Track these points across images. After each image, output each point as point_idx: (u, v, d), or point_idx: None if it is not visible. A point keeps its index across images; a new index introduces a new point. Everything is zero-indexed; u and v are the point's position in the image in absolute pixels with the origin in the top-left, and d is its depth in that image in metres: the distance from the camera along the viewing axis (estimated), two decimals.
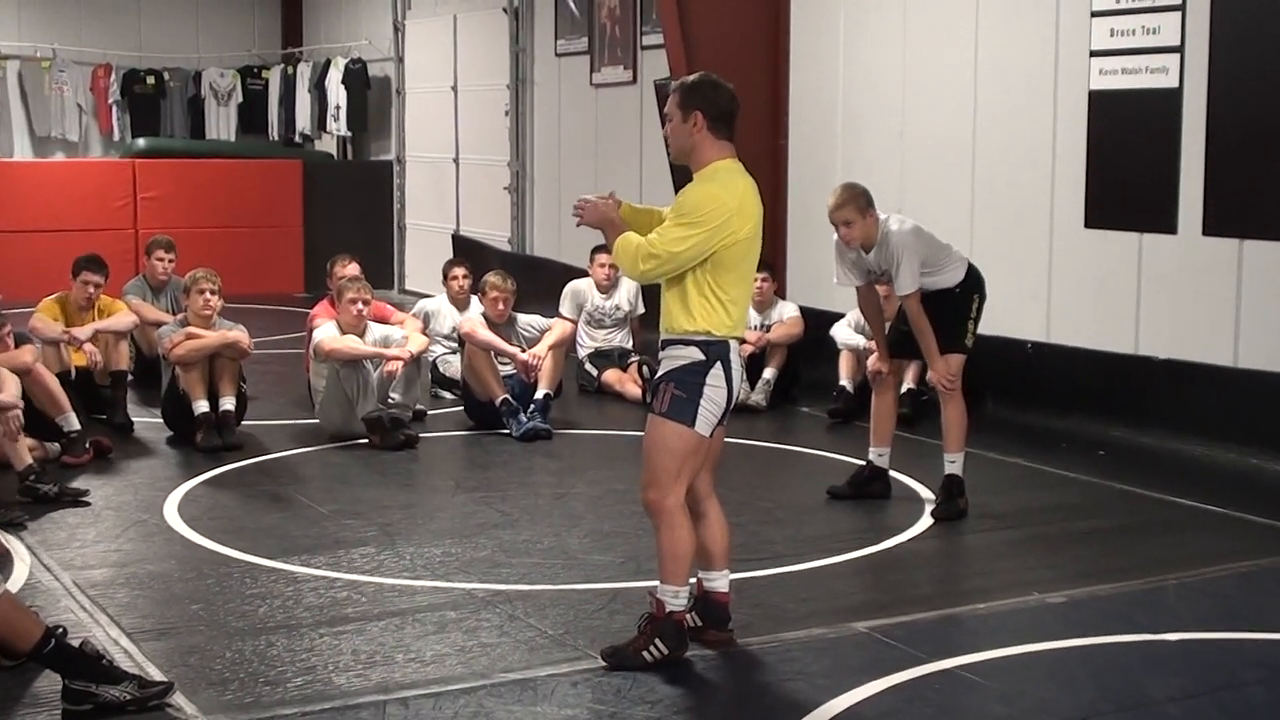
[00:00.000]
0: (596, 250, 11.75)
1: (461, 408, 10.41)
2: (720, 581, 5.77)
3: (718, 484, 5.86)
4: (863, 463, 8.15)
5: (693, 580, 5.66)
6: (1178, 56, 9.26)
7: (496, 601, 6.33)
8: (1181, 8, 9.21)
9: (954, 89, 10.69)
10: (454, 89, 17.45)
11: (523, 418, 9.76)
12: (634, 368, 11.28)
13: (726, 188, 5.45)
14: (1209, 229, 9.17)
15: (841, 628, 5.99)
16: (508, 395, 9.88)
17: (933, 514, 7.72)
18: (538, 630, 5.97)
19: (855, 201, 7.65)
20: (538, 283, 13.74)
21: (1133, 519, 7.88)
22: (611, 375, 11.37)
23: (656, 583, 5.60)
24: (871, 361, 8.58)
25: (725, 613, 5.80)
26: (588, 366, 11.55)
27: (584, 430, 10.23)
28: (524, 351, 10.02)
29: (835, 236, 7.79)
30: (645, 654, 5.50)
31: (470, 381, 10.09)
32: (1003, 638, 5.84)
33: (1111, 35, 9.64)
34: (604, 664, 5.53)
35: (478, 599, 6.37)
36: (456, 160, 17.51)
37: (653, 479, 5.52)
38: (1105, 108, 9.68)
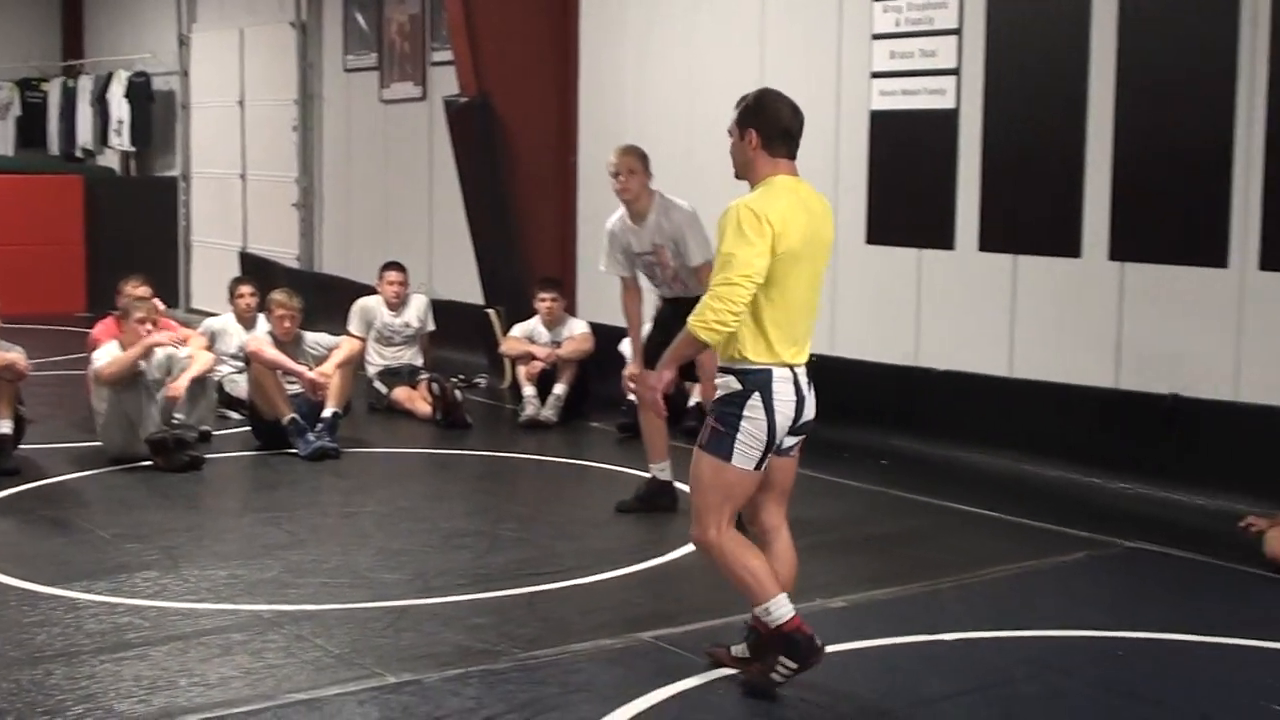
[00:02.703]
0: (385, 268, 11.72)
1: (248, 428, 10.26)
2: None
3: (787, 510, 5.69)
4: (648, 476, 8.23)
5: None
6: (954, 79, 9.56)
7: (283, 622, 6.26)
8: (958, 32, 9.52)
9: None
10: (241, 104, 17.20)
11: (310, 437, 9.66)
12: (424, 385, 11.24)
13: (763, 199, 5.26)
14: (985, 245, 9.48)
15: (629, 638, 6.04)
16: (295, 414, 9.77)
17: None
18: (324, 650, 5.92)
19: (638, 154, 7.90)
20: (327, 300, 13.64)
21: (912, 525, 8.11)
22: (401, 393, 11.32)
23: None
24: (627, 370, 8.55)
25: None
26: (377, 384, 11.49)
27: (373, 449, 10.17)
28: (311, 370, 9.93)
29: (609, 223, 7.92)
30: (775, 674, 5.33)
31: (257, 401, 9.96)
32: None
33: (891, 58, 9.91)
34: (746, 694, 5.42)
35: (264, 620, 6.29)
36: (244, 176, 17.25)
37: (695, 514, 5.39)
38: (885, 128, 9.95)
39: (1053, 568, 7.30)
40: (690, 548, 7.39)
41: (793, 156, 5.42)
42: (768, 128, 5.38)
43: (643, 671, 5.66)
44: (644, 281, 8.27)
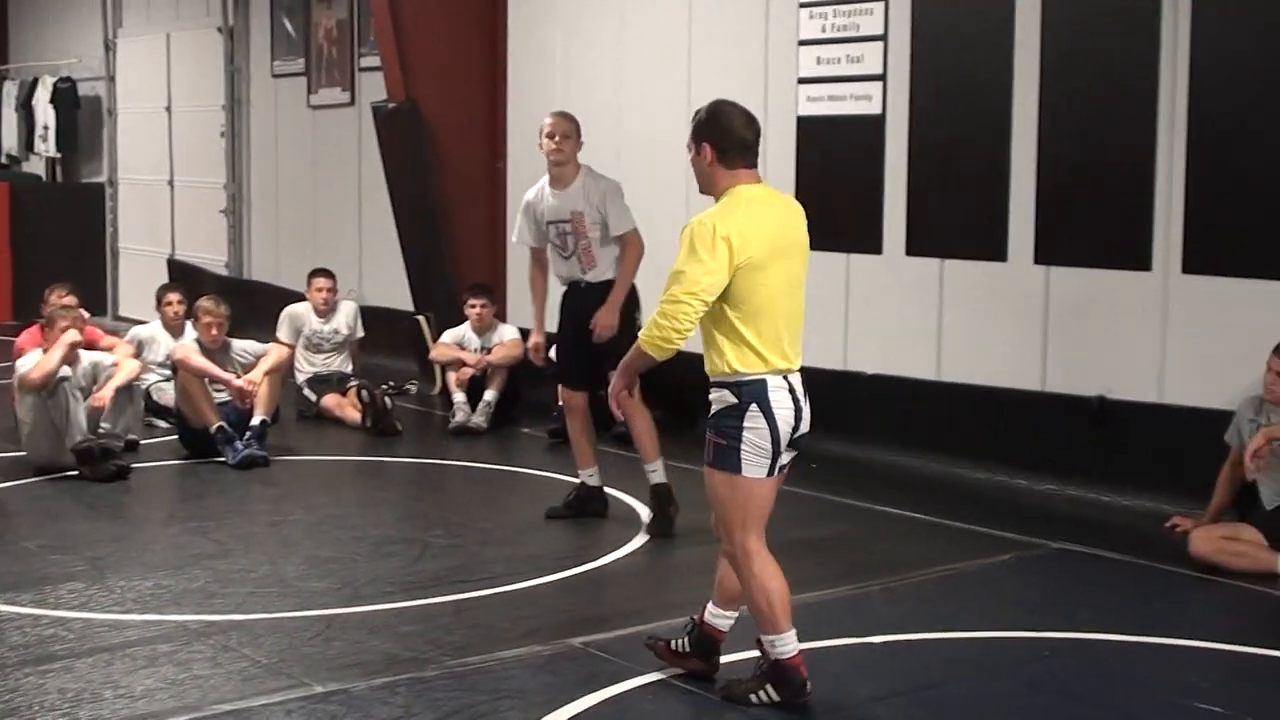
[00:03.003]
0: (314, 274, 11.65)
1: (176, 436, 10.17)
2: (724, 621, 5.59)
3: None
4: (578, 482, 8.23)
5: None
6: (880, 84, 9.62)
7: (210, 633, 6.21)
8: (884, 38, 9.58)
9: (668, 114, 10.88)
10: (168, 109, 17.06)
11: (238, 445, 9.59)
12: (353, 392, 11.18)
13: (720, 212, 5.23)
14: (912, 249, 9.55)
15: (557, 644, 6.04)
16: (223, 422, 9.69)
17: (647, 530, 7.83)
18: (251, 660, 5.88)
19: (573, 120, 7.96)
20: (256, 307, 13.57)
21: (840, 529, 8.14)
22: (330, 400, 11.26)
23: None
24: (531, 341, 8.36)
25: (717, 648, 5.63)
26: (306, 391, 11.41)
27: (302, 456, 10.10)
28: (239, 377, 9.86)
29: (528, 194, 8.04)
30: (753, 696, 5.35)
31: (184, 409, 9.87)
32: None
33: (818, 64, 9.96)
34: (720, 696, 5.44)
35: (190, 631, 6.24)
36: (171, 183, 17.12)
37: (723, 532, 5.36)
38: (812, 133, 10.00)
39: (980, 569, 7.36)
40: (620, 553, 7.48)
41: (752, 165, 5.38)
42: (722, 140, 5.33)
43: (572, 677, 5.65)
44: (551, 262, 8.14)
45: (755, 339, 5.21)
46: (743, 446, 5.20)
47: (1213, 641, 6.24)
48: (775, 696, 5.34)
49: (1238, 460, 7.62)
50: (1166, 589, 7.11)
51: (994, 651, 6.09)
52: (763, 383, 5.22)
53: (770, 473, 5.27)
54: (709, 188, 5.41)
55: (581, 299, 7.93)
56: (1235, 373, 7.99)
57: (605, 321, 7.78)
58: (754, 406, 5.19)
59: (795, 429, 5.30)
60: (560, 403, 10.32)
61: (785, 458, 5.34)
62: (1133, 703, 5.53)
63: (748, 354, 5.22)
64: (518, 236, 8.24)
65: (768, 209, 5.34)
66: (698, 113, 5.47)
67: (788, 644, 5.31)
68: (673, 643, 5.66)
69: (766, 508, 5.34)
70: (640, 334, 5.31)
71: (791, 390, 5.28)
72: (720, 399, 5.26)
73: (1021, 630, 6.34)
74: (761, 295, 5.23)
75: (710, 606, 5.59)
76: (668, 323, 5.17)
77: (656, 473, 7.86)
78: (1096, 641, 6.22)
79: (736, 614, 5.59)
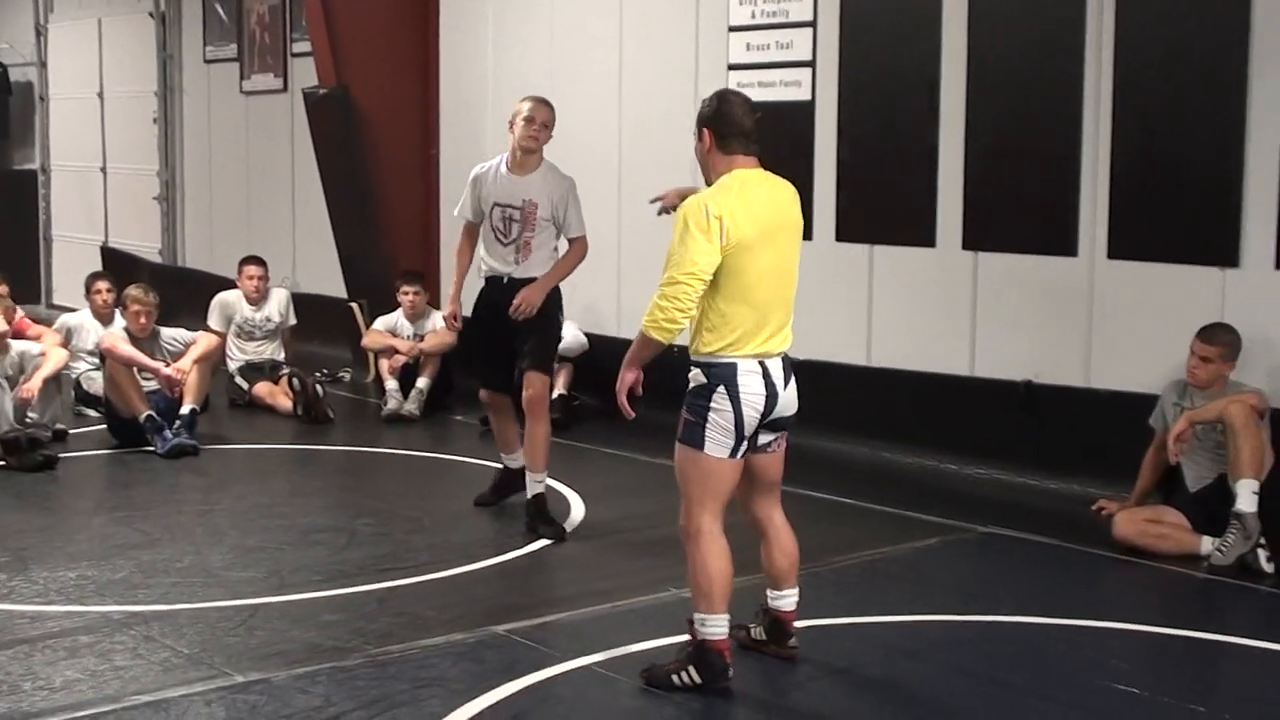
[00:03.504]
0: (245, 262, 11.58)
1: (105, 426, 10.10)
2: (783, 600, 5.70)
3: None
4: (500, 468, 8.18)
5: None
6: (810, 71, 9.64)
7: (133, 623, 6.17)
8: (813, 24, 9.60)
9: (600, 98, 10.89)
10: (100, 95, 16.91)
11: (168, 434, 9.53)
12: (285, 380, 11.12)
13: (713, 193, 5.33)
14: (841, 235, 9.57)
15: (480, 632, 6.03)
16: (152, 411, 9.62)
17: (545, 537, 7.54)
18: (173, 650, 5.84)
19: (554, 112, 7.76)
20: (190, 295, 13.47)
21: None
22: (262, 388, 11.19)
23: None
24: (446, 310, 8.19)
25: (787, 629, 5.73)
26: (238, 380, 11.34)
27: (233, 445, 10.05)
28: (168, 366, 9.79)
29: (479, 168, 7.80)
30: (675, 677, 5.40)
31: (113, 398, 9.80)
32: (638, 633, 5.97)
33: (748, 50, 9.98)
34: (643, 679, 5.47)
35: (113, 622, 6.20)
36: (104, 170, 16.98)
37: (683, 506, 5.44)
38: None
39: (906, 554, 7.40)
40: (548, 540, 7.46)
41: (751, 152, 5.48)
42: (722, 126, 5.45)
43: (493, 665, 5.65)
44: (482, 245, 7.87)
45: (735, 320, 5.29)
46: (707, 425, 5.31)
47: (1134, 623, 6.30)
48: (697, 679, 5.38)
49: (1162, 444, 7.69)
50: (1090, 572, 7.17)
51: (916, 636, 6.12)
52: (733, 366, 5.30)
53: (734, 454, 5.35)
54: (707, 173, 5.54)
55: (501, 294, 7.62)
56: (1159, 357, 8.06)
57: (530, 298, 7.50)
58: (721, 389, 5.30)
59: (768, 412, 5.37)
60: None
61: (764, 439, 5.46)
62: (1050, 685, 5.56)
63: (724, 336, 5.30)
64: (459, 210, 7.93)
65: (761, 190, 5.43)
66: (704, 102, 5.59)
67: (719, 627, 5.38)
68: (751, 630, 5.75)
69: (728, 488, 5.43)
70: (643, 320, 5.33)
71: (766, 375, 5.34)
72: (694, 377, 5.38)
73: (944, 614, 6.39)
74: (750, 276, 5.31)
75: (768, 592, 5.73)
76: (669, 304, 5.24)
77: (541, 484, 7.68)
78: (1018, 625, 6.28)
79: (794, 590, 5.72)
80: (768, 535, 5.70)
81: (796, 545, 5.75)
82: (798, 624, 5.81)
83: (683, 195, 5.81)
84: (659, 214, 6.18)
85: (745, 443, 5.38)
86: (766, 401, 5.35)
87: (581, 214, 7.76)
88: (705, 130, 5.47)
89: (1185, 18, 8.05)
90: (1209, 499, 7.39)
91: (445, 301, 8.32)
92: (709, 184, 5.51)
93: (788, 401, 5.45)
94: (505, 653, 5.81)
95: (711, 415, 5.31)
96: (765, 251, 5.35)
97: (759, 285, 5.34)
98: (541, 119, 7.69)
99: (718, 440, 5.32)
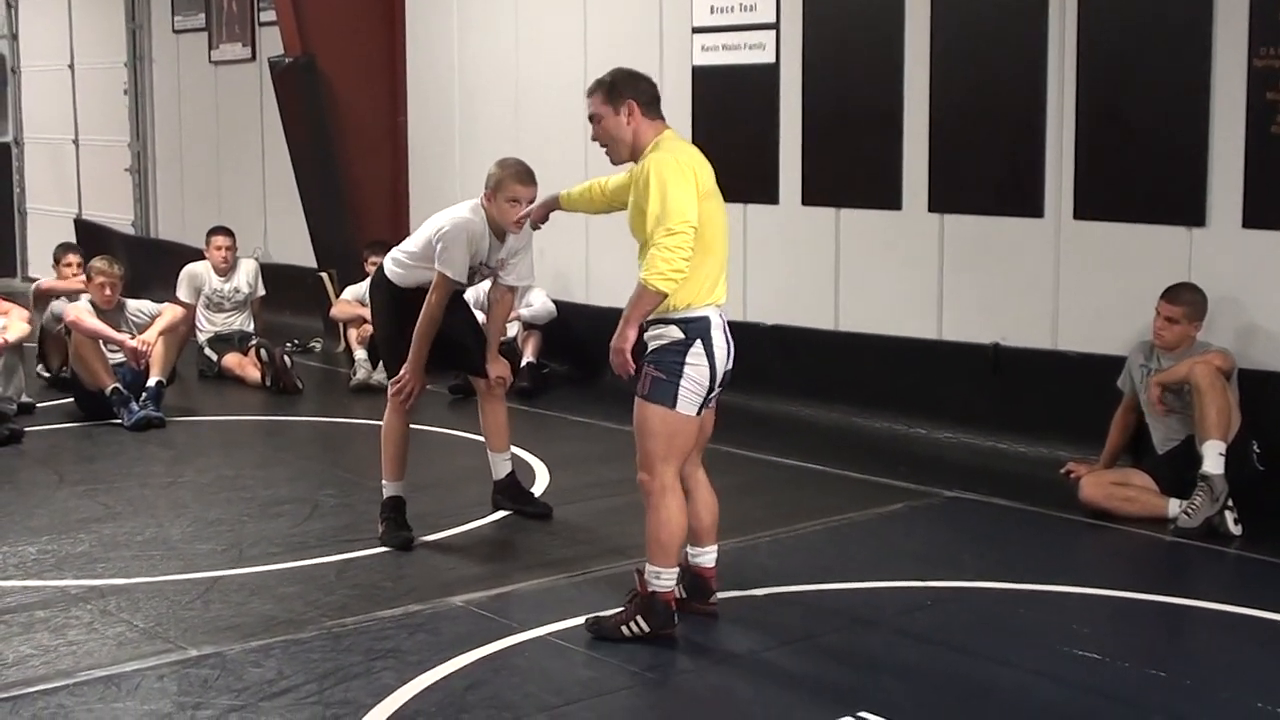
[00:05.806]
0: (213, 232, 11.52)
1: (72, 399, 10.04)
2: (704, 557, 5.75)
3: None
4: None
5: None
6: (774, 33, 9.58)
7: (90, 598, 6.14)
8: None
9: (565, 62, 10.82)
10: (71, 67, 16.80)
11: (134, 406, 9.48)
12: (254, 351, 11.06)
13: (670, 150, 5.40)
14: (808, 199, 9.52)
15: (438, 603, 6.00)
16: (118, 384, 9.57)
17: (530, 516, 7.40)
18: (129, 624, 5.81)
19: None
20: (162, 266, 13.40)
21: (735, 480, 8.01)
22: (232, 359, 11.14)
23: (645, 561, 5.53)
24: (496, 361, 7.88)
25: (709, 586, 5.80)
26: (207, 351, 11.29)
27: (202, 416, 10.00)
28: (133, 338, 9.73)
29: (471, 227, 6.88)
30: (624, 628, 5.48)
31: (78, 371, 9.74)
32: (594, 602, 5.91)
33: (712, 12, 9.92)
34: (590, 632, 5.55)
35: (70, 596, 6.16)
36: (76, 142, 16.89)
37: (641, 461, 5.46)
38: (708, 82, 9.96)
39: (871, 519, 7.37)
40: (507, 511, 7.40)
41: (663, 119, 5.58)
42: (641, 95, 5.53)
43: (448, 636, 5.62)
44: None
45: (704, 271, 5.35)
46: (682, 382, 5.35)
47: (1097, 588, 6.26)
48: (645, 627, 5.48)
49: (1130, 406, 7.67)
50: (1056, 536, 7.14)
51: (875, 602, 6.08)
52: (707, 320, 5.38)
53: (699, 411, 5.43)
54: (636, 143, 5.51)
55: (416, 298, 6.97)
56: (1126, 318, 8.02)
57: (499, 371, 7.31)
58: (698, 343, 5.35)
59: (727, 363, 5.47)
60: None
61: (712, 395, 5.52)
62: (1011, 650, 5.52)
63: (697, 289, 5.35)
64: (454, 272, 6.92)
65: (695, 150, 5.56)
66: (600, 81, 5.61)
67: (670, 579, 5.50)
68: (675, 591, 5.72)
69: (690, 445, 5.51)
70: (643, 274, 5.29)
71: (725, 327, 5.46)
72: (664, 334, 5.38)
73: (906, 580, 6.35)
74: (712, 227, 5.42)
75: (689, 549, 5.72)
76: (673, 253, 5.22)
77: (508, 463, 7.49)
78: (981, 590, 6.25)
79: (714, 546, 5.77)
80: (692, 493, 5.68)
81: (717, 502, 5.79)
82: (760, 591, 5.78)
83: (546, 206, 6.08)
84: (533, 229, 6.38)
85: (706, 400, 5.45)
86: (727, 353, 5.46)
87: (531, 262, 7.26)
88: (630, 102, 5.50)
89: None
90: (1176, 461, 7.36)
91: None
92: (629, 158, 5.51)
93: (733, 354, 5.54)
94: (462, 624, 5.77)
95: (688, 370, 5.35)
96: (713, 201, 5.47)
97: (718, 235, 5.46)
98: (527, 200, 6.77)
99: (689, 398, 5.37)
